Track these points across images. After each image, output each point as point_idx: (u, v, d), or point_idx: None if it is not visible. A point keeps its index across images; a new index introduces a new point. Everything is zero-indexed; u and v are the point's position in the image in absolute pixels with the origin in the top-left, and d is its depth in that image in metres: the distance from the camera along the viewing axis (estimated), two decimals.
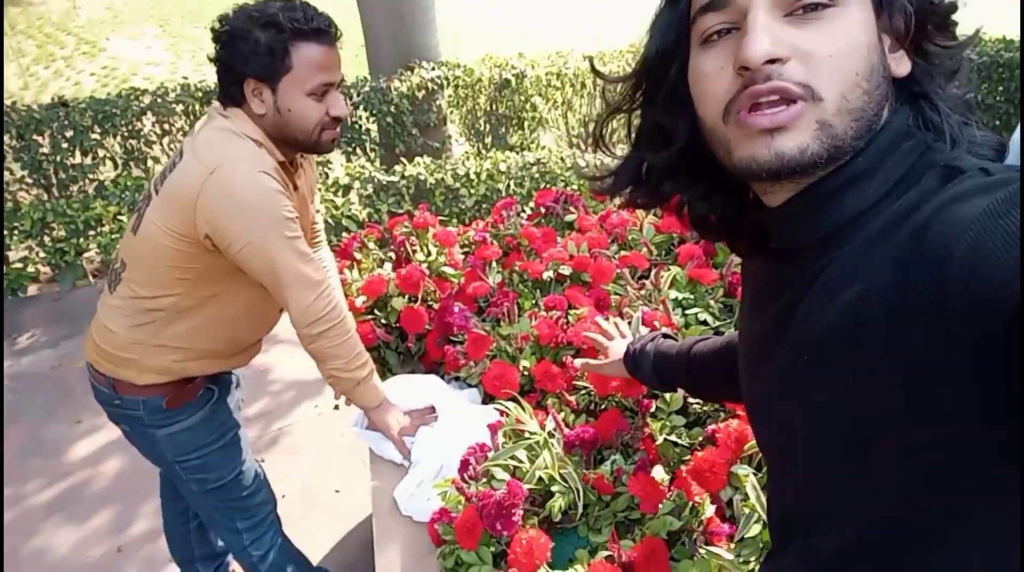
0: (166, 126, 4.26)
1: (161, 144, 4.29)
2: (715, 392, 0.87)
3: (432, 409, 1.48)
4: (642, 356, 1.12)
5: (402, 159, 4.09)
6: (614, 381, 1.28)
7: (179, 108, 4.21)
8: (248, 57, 1.27)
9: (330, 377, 1.41)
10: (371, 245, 1.96)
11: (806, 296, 0.55)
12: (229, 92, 1.33)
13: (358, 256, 1.91)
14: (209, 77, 4.37)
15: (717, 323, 1.55)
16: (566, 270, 1.68)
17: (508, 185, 3.95)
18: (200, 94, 4.22)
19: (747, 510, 1.10)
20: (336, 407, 2.90)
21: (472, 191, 3.91)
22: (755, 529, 1.08)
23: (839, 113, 0.51)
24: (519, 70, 4.82)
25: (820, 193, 0.55)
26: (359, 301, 1.71)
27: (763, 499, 1.10)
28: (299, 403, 2.99)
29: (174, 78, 6.45)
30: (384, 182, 3.81)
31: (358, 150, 4.60)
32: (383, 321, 1.70)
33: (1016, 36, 5.47)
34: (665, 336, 1.16)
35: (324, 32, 1.29)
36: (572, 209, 2.03)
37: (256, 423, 2.85)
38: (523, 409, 1.29)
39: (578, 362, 1.32)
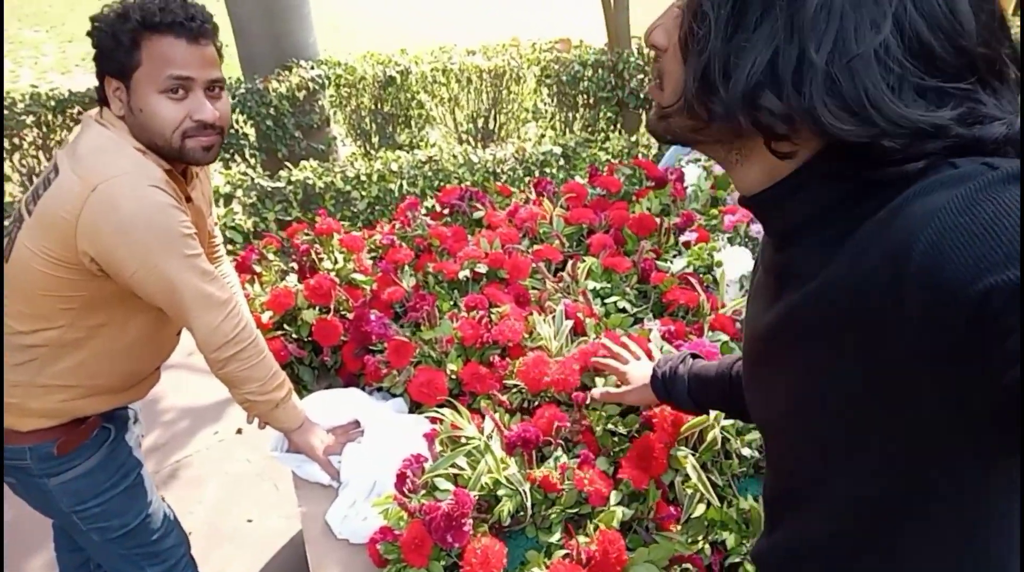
0: (16, 140, 3.83)
1: (11, 161, 3.87)
2: None
3: (356, 424, 1.41)
4: (674, 380, 1.05)
5: (286, 164, 3.90)
6: (546, 377, 1.26)
7: (29, 120, 3.81)
8: (104, 53, 1.19)
9: (245, 402, 1.31)
10: (271, 256, 1.85)
11: (790, 283, 0.56)
12: (99, 93, 1.24)
13: (258, 269, 1.80)
14: (61, 85, 3.97)
15: (635, 310, 1.57)
16: (482, 268, 1.65)
17: (401, 185, 3.86)
18: (53, 103, 3.83)
19: (689, 491, 1.12)
20: (239, 431, 2.73)
21: (364, 193, 3.79)
22: (700, 509, 1.10)
23: None
24: (403, 67, 4.71)
25: (777, 192, 0.55)
26: (265, 317, 1.61)
27: (704, 478, 1.13)
28: (197, 431, 2.78)
29: (17, 87, 5.84)
30: (269, 189, 3.61)
31: (236, 156, 4.34)
32: (294, 336, 1.60)
33: None
34: (694, 356, 1.10)
35: (181, 25, 1.17)
36: (479, 206, 2.00)
37: (151, 458, 2.62)
38: (460, 414, 1.25)
39: (596, 392, 1.23)
